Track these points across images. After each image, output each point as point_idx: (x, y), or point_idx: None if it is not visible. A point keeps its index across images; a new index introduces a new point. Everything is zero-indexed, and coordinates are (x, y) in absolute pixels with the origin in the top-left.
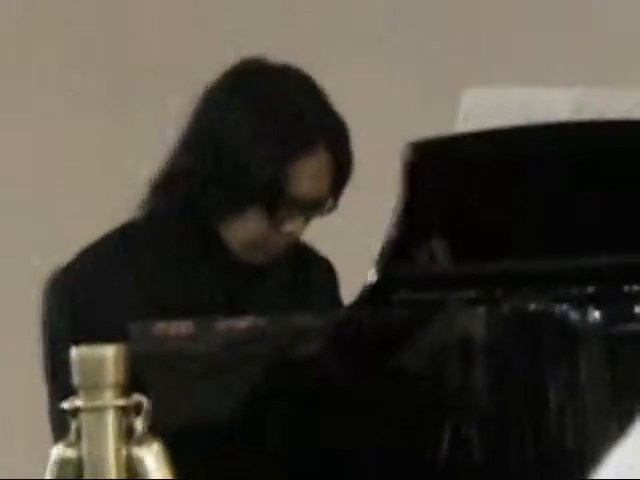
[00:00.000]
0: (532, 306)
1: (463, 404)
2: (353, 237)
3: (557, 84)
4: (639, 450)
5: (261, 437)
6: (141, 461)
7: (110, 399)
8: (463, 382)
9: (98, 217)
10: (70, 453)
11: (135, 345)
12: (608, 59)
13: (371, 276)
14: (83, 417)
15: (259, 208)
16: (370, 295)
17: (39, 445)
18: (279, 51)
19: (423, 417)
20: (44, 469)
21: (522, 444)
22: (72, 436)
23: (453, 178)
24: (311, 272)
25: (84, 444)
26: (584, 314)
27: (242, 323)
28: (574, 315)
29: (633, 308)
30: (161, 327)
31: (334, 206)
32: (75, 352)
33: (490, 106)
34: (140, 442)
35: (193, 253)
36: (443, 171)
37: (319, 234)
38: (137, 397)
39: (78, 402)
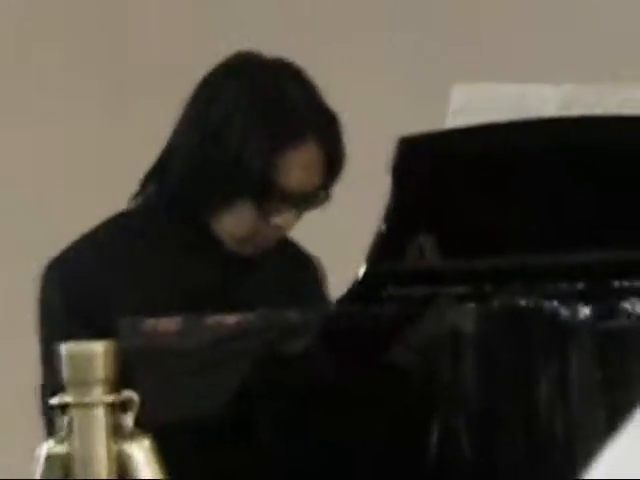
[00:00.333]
0: (521, 302)
1: (453, 399)
2: (343, 232)
3: (547, 80)
4: (629, 449)
5: (251, 433)
6: (130, 457)
7: (99, 395)
8: (453, 377)
9: (98, 216)
10: (59, 449)
11: (124, 341)
12: (598, 56)
13: (360, 271)
14: (72, 413)
15: (249, 200)
16: (359, 290)
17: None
18: (275, 48)
19: (413, 412)
20: None
21: (512, 439)
22: (61, 432)
23: (443, 174)
24: (299, 269)
25: (73, 440)
26: (573, 310)
27: (231, 319)
28: (563, 311)
29: (622, 304)
30: (150, 323)
31: (325, 200)
32: (64, 348)
33: (480, 102)
34: (129, 438)
35: (184, 245)
36: (433, 167)
37: (309, 229)
38: (126, 393)
39: (67, 398)
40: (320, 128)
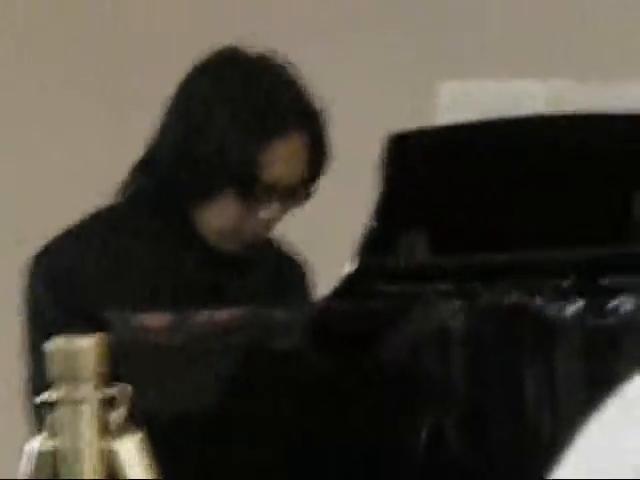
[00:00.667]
0: (509, 299)
1: (441, 396)
2: (332, 229)
3: (536, 77)
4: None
5: (241, 428)
6: (120, 454)
7: (88, 391)
8: (441, 374)
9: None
10: (48, 446)
11: (113, 336)
12: (586, 53)
13: (349, 267)
14: (61, 409)
15: (232, 193)
16: (348, 286)
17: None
18: (263, 45)
19: (401, 408)
20: None
21: (500, 436)
22: (48, 429)
23: (432, 170)
24: (285, 270)
25: (62, 437)
26: (561, 307)
27: (221, 315)
28: (551, 308)
29: (610, 301)
30: (140, 318)
31: (311, 194)
32: (51, 344)
33: (468, 99)
34: (119, 434)
35: (169, 240)
36: (422, 163)
37: (298, 226)
38: (115, 389)
39: (55, 394)
40: (304, 121)
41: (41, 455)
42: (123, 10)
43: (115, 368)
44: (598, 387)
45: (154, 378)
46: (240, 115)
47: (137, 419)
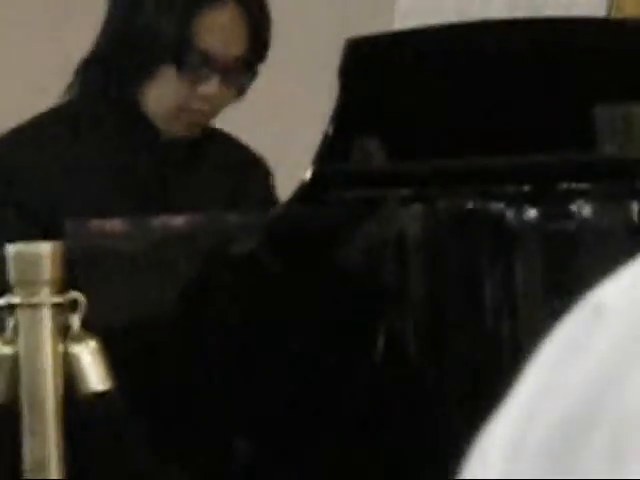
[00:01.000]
0: (468, 204)
1: (399, 302)
2: (290, 134)
3: None
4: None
5: (197, 334)
6: (77, 358)
7: (46, 296)
8: (399, 280)
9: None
10: (6, 350)
11: (71, 242)
12: None
13: (307, 173)
14: (19, 314)
15: (171, 67)
16: (306, 193)
17: None
18: None
19: (359, 315)
20: None
21: (457, 342)
22: (8, 333)
23: (390, 76)
24: (245, 168)
25: (20, 341)
26: (520, 212)
27: (178, 220)
28: (510, 213)
29: (569, 206)
30: (97, 224)
31: (253, 75)
32: (11, 249)
33: (427, 4)
34: (76, 339)
35: (119, 131)
36: (380, 69)
37: (256, 131)
38: (73, 294)
39: (14, 299)
40: None
41: (1, 358)
42: None
43: (72, 274)
44: (557, 292)
45: (111, 283)
46: None
47: (92, 326)
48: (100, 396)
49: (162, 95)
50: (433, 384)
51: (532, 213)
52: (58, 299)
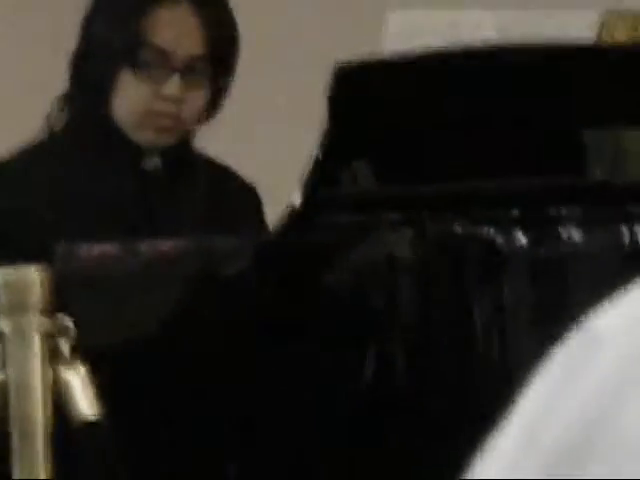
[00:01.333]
0: (458, 229)
1: (388, 325)
2: (279, 160)
3: (483, 6)
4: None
5: (186, 358)
6: (66, 384)
7: (35, 322)
8: (388, 304)
9: None
10: None
11: (60, 266)
12: None
13: (296, 198)
14: (8, 339)
15: (128, 70)
16: (295, 218)
17: None
18: None
19: (348, 339)
20: None
21: (447, 366)
22: None
23: (378, 101)
24: (233, 197)
25: (9, 367)
26: (509, 236)
27: (167, 244)
28: (499, 237)
29: (558, 230)
30: (86, 248)
31: (225, 85)
32: None
33: (416, 28)
34: (66, 364)
35: (100, 156)
36: (369, 94)
37: (246, 158)
38: (62, 319)
39: (3, 324)
40: None
41: None
42: None
43: (60, 299)
44: (545, 316)
45: (100, 307)
46: None
47: (81, 351)
48: (89, 422)
49: (126, 101)
50: (421, 406)
51: (521, 238)
52: (47, 325)
